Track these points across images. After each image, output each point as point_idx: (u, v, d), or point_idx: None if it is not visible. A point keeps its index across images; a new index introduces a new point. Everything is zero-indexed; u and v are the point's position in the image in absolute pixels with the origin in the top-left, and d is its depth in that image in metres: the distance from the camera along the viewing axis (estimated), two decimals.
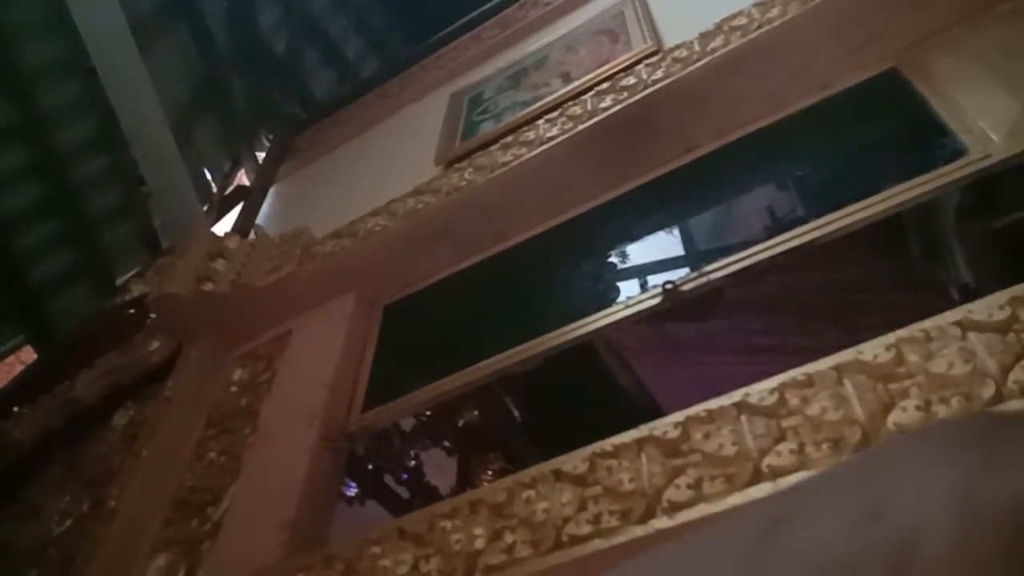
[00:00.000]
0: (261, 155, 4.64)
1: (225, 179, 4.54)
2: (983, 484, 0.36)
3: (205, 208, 3.96)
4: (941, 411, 1.13)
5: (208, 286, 2.54)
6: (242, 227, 3.66)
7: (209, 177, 4.39)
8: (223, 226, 3.94)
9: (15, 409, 2.80)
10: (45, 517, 2.32)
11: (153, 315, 2.78)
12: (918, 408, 1.15)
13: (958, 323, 1.23)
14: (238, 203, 4.09)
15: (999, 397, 1.10)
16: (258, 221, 3.74)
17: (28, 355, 4.00)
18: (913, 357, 1.22)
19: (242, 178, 4.67)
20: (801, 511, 0.43)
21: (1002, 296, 1.22)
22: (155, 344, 2.71)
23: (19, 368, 3.84)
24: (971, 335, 1.20)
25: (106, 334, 3.03)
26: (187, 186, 3.41)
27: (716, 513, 1.20)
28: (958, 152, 1.71)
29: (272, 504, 1.87)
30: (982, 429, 0.43)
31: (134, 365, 2.67)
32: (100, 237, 3.91)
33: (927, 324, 1.26)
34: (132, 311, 3.12)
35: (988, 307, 1.21)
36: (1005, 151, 1.64)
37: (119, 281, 3.95)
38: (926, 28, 2.00)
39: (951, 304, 1.30)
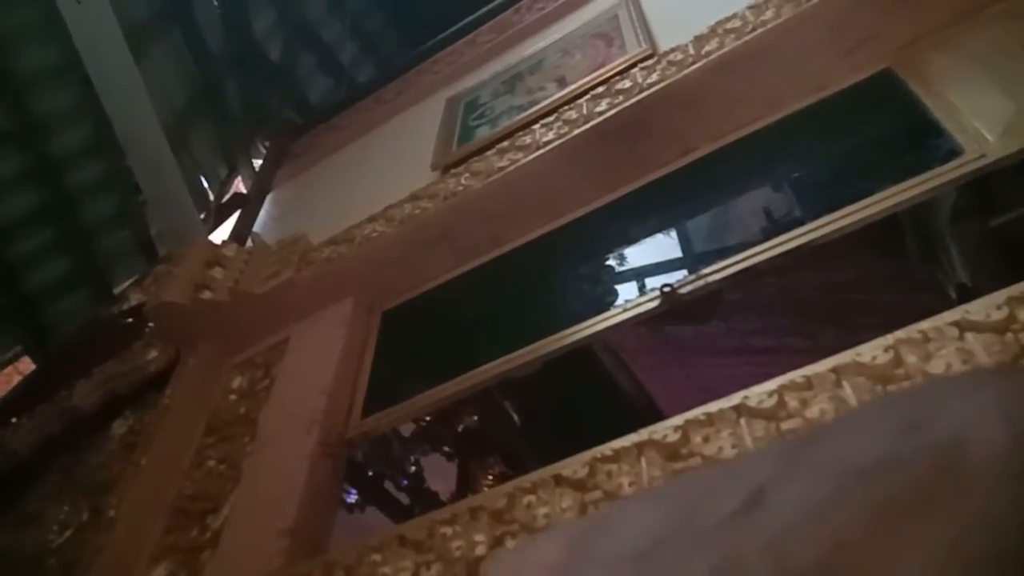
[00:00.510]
0: (257, 162, 4.64)
1: (222, 186, 4.54)
2: None
3: (202, 215, 3.96)
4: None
5: (206, 294, 2.53)
6: (239, 234, 3.66)
7: (206, 184, 4.39)
8: (220, 233, 3.94)
9: (13, 419, 2.79)
10: (44, 526, 2.31)
11: (151, 323, 2.77)
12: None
13: (956, 323, 1.23)
14: (235, 210, 4.09)
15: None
16: (255, 228, 3.74)
17: (26, 366, 3.99)
18: (911, 358, 1.22)
19: (239, 185, 4.67)
20: (838, 426, 0.43)
21: (999, 296, 1.23)
22: (153, 352, 2.70)
23: (16, 379, 3.84)
24: (969, 335, 1.20)
25: (104, 342, 3.03)
26: (183, 193, 3.40)
27: None
28: (953, 152, 1.72)
29: (272, 511, 1.87)
30: (1010, 364, 0.43)
31: (132, 373, 2.67)
32: (97, 245, 3.91)
33: (925, 325, 1.26)
34: (130, 319, 3.12)
35: (985, 307, 1.21)
36: (1000, 151, 1.64)
37: (116, 289, 3.95)
38: (920, 29, 2.01)
39: (948, 304, 1.30)
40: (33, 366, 3.86)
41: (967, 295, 2.14)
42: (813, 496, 0.37)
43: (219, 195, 4.45)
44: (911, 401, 0.40)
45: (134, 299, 3.25)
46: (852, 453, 0.37)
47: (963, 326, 1.22)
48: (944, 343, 1.21)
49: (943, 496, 0.34)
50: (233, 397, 2.41)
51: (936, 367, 1.18)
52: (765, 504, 0.37)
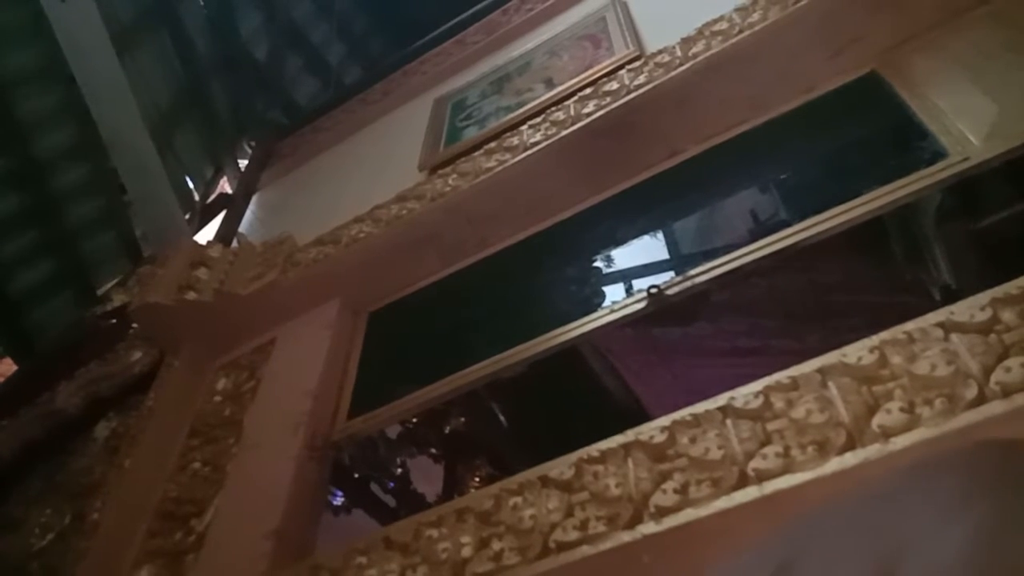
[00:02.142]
0: (243, 162, 4.62)
1: (207, 187, 4.51)
2: (999, 540, 0.35)
3: (187, 216, 3.93)
4: (925, 413, 1.14)
5: (190, 295, 2.51)
6: (224, 235, 3.64)
7: (191, 185, 4.36)
8: (205, 234, 3.92)
9: None
10: (26, 531, 2.29)
11: (135, 325, 2.75)
12: (902, 410, 1.16)
13: (940, 324, 1.23)
14: (220, 211, 4.07)
15: (981, 398, 1.11)
16: (241, 229, 3.72)
17: (7, 368, 3.95)
18: (896, 359, 1.23)
19: (224, 186, 4.65)
20: (810, 557, 0.42)
21: (983, 297, 1.23)
22: (137, 354, 2.68)
23: None
24: (953, 336, 1.21)
25: (87, 344, 3.00)
26: (168, 194, 3.38)
27: (703, 517, 1.20)
28: (938, 154, 1.73)
29: (257, 514, 1.86)
30: (997, 467, 0.42)
31: (116, 376, 2.64)
32: (81, 246, 3.87)
33: (910, 326, 1.27)
34: (113, 321, 3.09)
35: (970, 308, 1.22)
36: (984, 153, 1.66)
37: (100, 291, 3.91)
38: (905, 31, 2.02)
39: (933, 305, 1.31)
40: (15, 368, 3.82)
41: (952, 296, 2.15)
42: None
43: (204, 196, 4.42)
44: (885, 527, 0.40)
45: (118, 300, 3.22)
46: None
47: (948, 327, 1.22)
48: (929, 344, 1.22)
49: None
50: (218, 399, 2.39)
51: (921, 368, 1.19)
52: None
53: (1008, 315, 1.19)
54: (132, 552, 1.99)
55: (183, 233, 3.32)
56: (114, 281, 3.90)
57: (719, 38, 2.19)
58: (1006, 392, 1.09)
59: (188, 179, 4.35)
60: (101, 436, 2.47)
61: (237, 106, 4.91)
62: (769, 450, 1.22)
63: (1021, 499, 0.39)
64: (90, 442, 2.47)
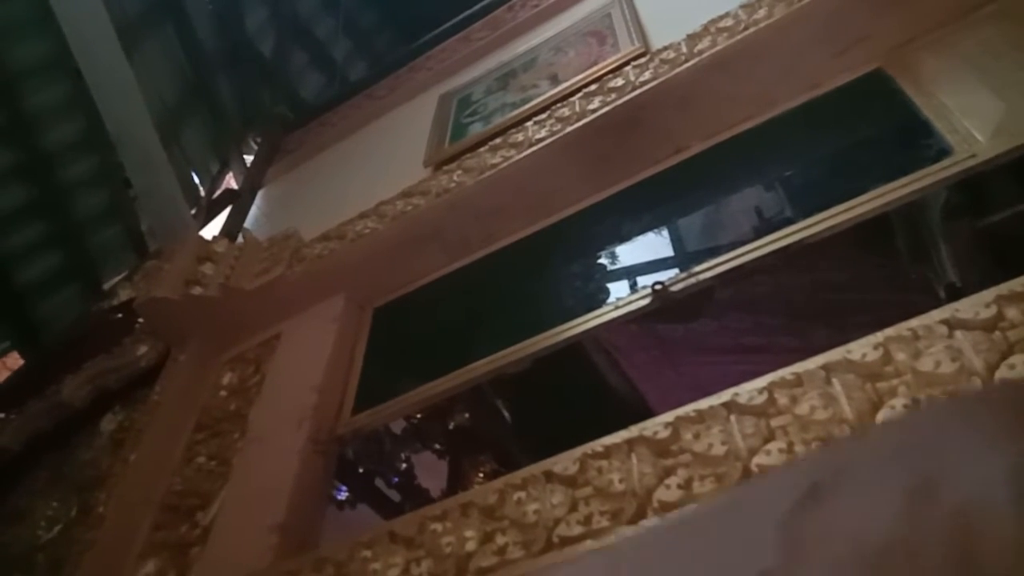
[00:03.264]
0: (249, 157, 4.63)
1: (213, 182, 4.52)
2: None
3: (193, 211, 3.94)
4: (933, 405, 1.14)
5: (196, 290, 2.52)
6: (230, 230, 3.65)
7: (197, 180, 4.37)
8: (211, 229, 3.93)
9: (2, 415, 2.78)
10: (32, 523, 2.30)
11: (141, 319, 2.76)
12: (906, 407, 1.16)
13: (945, 322, 1.23)
14: (226, 206, 4.07)
15: (989, 390, 1.10)
16: (246, 224, 3.73)
17: (14, 361, 3.97)
18: (901, 356, 1.23)
19: (230, 181, 4.65)
20: (845, 480, 0.41)
21: (988, 295, 1.23)
22: (143, 348, 2.69)
23: (5, 374, 3.81)
24: (958, 333, 1.21)
25: (93, 338, 3.01)
26: (174, 189, 3.38)
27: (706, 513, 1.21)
28: (944, 152, 1.73)
29: (262, 508, 1.86)
30: (1020, 402, 0.42)
31: (122, 369, 2.65)
32: (87, 240, 3.89)
33: (914, 323, 1.27)
34: (120, 315, 3.10)
35: (974, 306, 1.22)
36: (990, 151, 1.65)
37: (106, 285, 3.93)
38: (912, 30, 2.01)
39: (938, 303, 1.31)
40: (22, 362, 3.84)
41: (957, 294, 2.15)
42: None
43: (210, 191, 4.43)
44: (917, 453, 0.39)
45: (124, 295, 3.23)
46: (861, 529, 0.36)
47: (952, 324, 1.22)
48: (933, 341, 1.22)
49: None
50: (223, 393, 2.40)
51: (925, 365, 1.19)
52: None
53: (1013, 312, 1.19)
54: (137, 545, 2.00)
55: (189, 228, 3.33)
56: (120, 275, 3.92)
57: (725, 35, 2.19)
58: None
59: (194, 174, 4.36)
60: (107, 429, 2.48)
61: (243, 101, 4.91)
62: (773, 446, 1.23)
63: None
64: (96, 435, 2.48)
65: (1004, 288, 1.23)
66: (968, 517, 0.35)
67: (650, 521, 1.25)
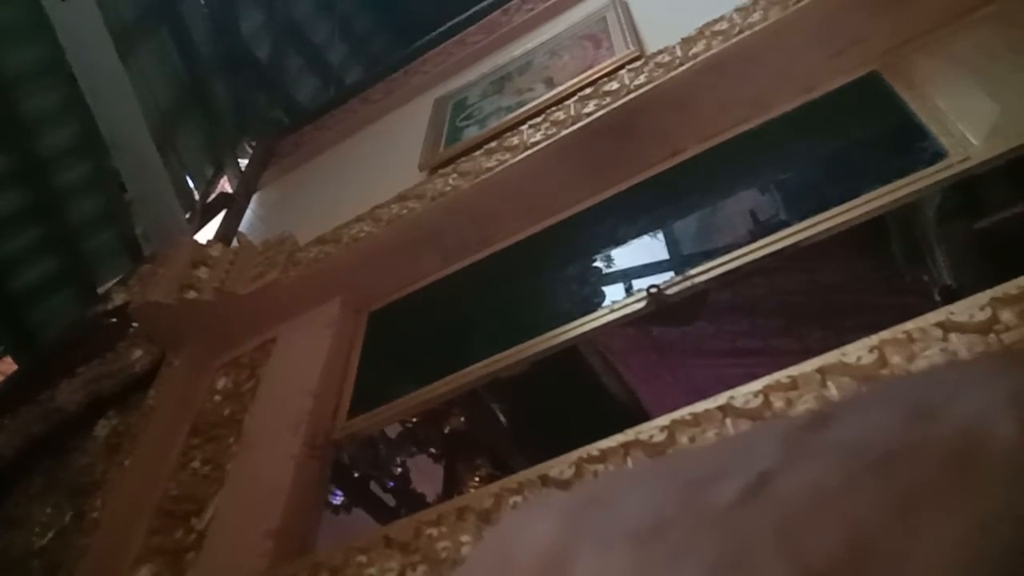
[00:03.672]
0: (244, 161, 4.63)
1: (208, 185, 4.52)
2: None
3: (188, 215, 3.94)
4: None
5: (191, 294, 2.52)
6: (225, 234, 3.64)
7: (192, 184, 4.37)
8: (206, 233, 3.92)
9: None
10: (27, 529, 2.29)
11: (136, 323, 2.76)
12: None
13: (940, 324, 1.23)
14: (221, 210, 4.07)
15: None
16: (241, 228, 3.72)
17: (8, 366, 3.96)
18: (896, 358, 1.23)
19: (225, 185, 4.65)
20: (848, 408, 0.42)
21: (983, 297, 1.23)
22: (138, 353, 2.68)
23: None
24: (953, 336, 1.21)
25: (88, 343, 3.00)
26: (169, 193, 3.38)
27: None
28: (938, 155, 1.73)
29: (257, 513, 1.86)
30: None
31: (117, 374, 2.64)
32: (82, 245, 3.88)
33: (909, 326, 1.27)
34: (114, 319, 3.09)
35: (969, 308, 1.22)
36: (984, 153, 1.66)
37: (101, 289, 3.91)
38: (907, 32, 2.02)
39: (933, 305, 1.31)
40: (16, 367, 3.82)
41: (952, 296, 2.16)
42: (823, 484, 0.37)
43: (205, 195, 4.43)
44: (921, 387, 0.40)
45: (119, 299, 3.22)
46: (862, 441, 0.37)
47: (947, 327, 1.22)
48: (928, 344, 1.22)
49: (957, 490, 0.34)
50: (218, 398, 2.40)
51: (920, 367, 1.19)
52: (773, 488, 0.37)
53: (1007, 315, 1.19)
54: (133, 550, 1.99)
55: (184, 232, 3.32)
56: (115, 280, 3.90)
57: (719, 38, 2.19)
58: None
59: (189, 178, 4.35)
60: (102, 434, 2.47)
61: (238, 105, 4.91)
62: None
63: None
64: (91, 440, 2.48)
65: (999, 291, 1.23)
66: (970, 430, 0.35)
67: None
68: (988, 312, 1.20)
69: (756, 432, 0.48)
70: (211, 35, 4.85)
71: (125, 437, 2.32)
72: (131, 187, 3.40)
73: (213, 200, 4.38)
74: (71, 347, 3.12)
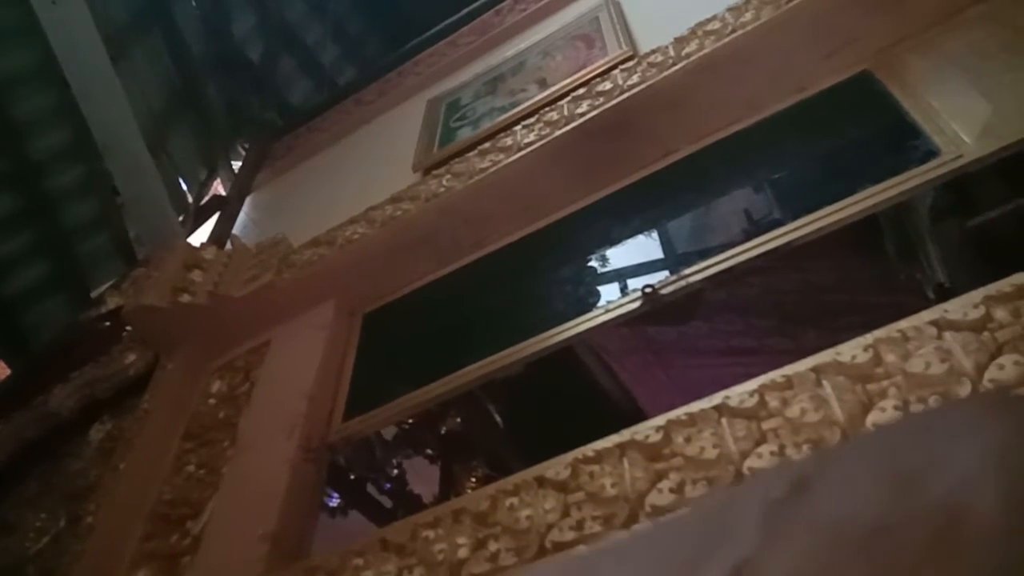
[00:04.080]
0: (237, 163, 4.61)
1: (201, 188, 4.51)
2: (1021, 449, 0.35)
3: (181, 218, 3.92)
4: (919, 411, 1.14)
5: (185, 297, 2.51)
6: (219, 237, 3.63)
7: (185, 187, 4.35)
8: (199, 236, 3.91)
9: None
10: (21, 534, 2.28)
11: (129, 327, 2.74)
12: (896, 408, 1.16)
13: (934, 323, 1.24)
14: (214, 212, 4.05)
15: (975, 396, 1.11)
16: (235, 230, 3.71)
17: (1, 371, 3.94)
18: (890, 357, 1.23)
19: (218, 187, 4.64)
20: (829, 474, 0.41)
21: (976, 295, 1.24)
22: (131, 357, 2.67)
23: None
24: (947, 334, 1.21)
25: (81, 347, 2.99)
26: (162, 196, 3.37)
27: None
28: (931, 153, 1.73)
29: (253, 517, 1.85)
30: (1005, 402, 0.42)
31: (110, 378, 2.63)
32: (75, 248, 3.87)
33: (904, 324, 1.27)
34: (108, 323, 3.08)
35: (963, 306, 1.23)
36: (977, 152, 1.66)
37: (94, 293, 3.90)
38: (900, 32, 2.02)
39: (927, 303, 1.31)
40: (8, 371, 3.81)
41: (945, 294, 2.16)
42: (803, 573, 0.36)
43: (198, 197, 4.42)
44: (903, 448, 0.39)
45: (112, 303, 3.21)
46: (842, 517, 0.36)
47: (941, 325, 1.23)
48: (923, 342, 1.22)
49: (940, 568, 0.34)
50: (213, 401, 2.39)
51: (915, 366, 1.19)
52: None
53: (1001, 313, 1.19)
54: (127, 555, 1.98)
55: (177, 235, 3.32)
56: (108, 283, 3.89)
57: (712, 38, 2.19)
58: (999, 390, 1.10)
59: (182, 181, 4.34)
60: (96, 439, 2.46)
61: (231, 107, 4.90)
62: (764, 449, 1.22)
63: None
64: (85, 445, 2.46)
65: (992, 289, 1.23)
66: (953, 506, 0.35)
67: (641, 525, 1.25)
68: (982, 310, 1.20)
69: (736, 501, 0.47)
70: (203, 37, 4.84)
71: (119, 441, 2.31)
72: (124, 190, 3.40)
73: (206, 203, 4.36)
74: (64, 351, 3.10)
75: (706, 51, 2.17)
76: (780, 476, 0.43)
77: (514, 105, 2.87)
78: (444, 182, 2.48)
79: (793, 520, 0.38)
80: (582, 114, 2.31)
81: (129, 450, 2.20)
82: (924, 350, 1.21)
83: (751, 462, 1.22)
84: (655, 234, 2.52)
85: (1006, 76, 1.75)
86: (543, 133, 2.36)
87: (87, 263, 3.93)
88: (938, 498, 0.35)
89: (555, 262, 2.34)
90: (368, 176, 3.29)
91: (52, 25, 2.98)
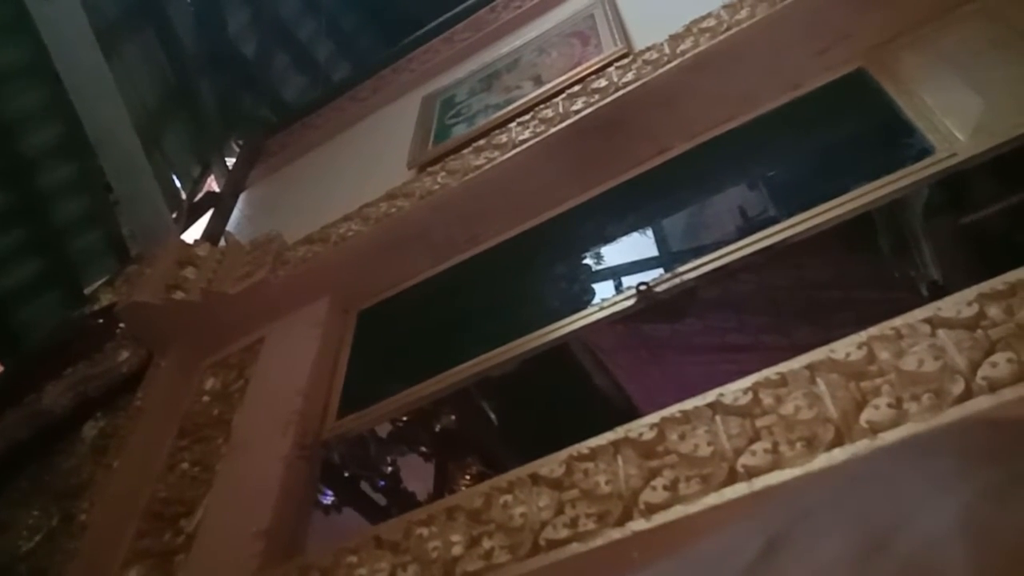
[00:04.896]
0: (231, 160, 4.59)
1: (194, 185, 4.49)
2: (996, 510, 0.35)
3: (174, 215, 3.91)
4: (912, 408, 1.15)
5: (178, 294, 2.50)
6: (212, 234, 3.62)
7: (178, 183, 4.33)
8: (193, 233, 3.90)
9: None
10: (13, 533, 2.27)
11: (122, 324, 2.74)
12: (890, 406, 1.16)
13: (928, 320, 1.24)
14: (208, 209, 4.04)
15: (968, 393, 1.11)
16: (229, 227, 3.70)
17: None
18: (884, 355, 1.23)
19: (212, 184, 4.62)
20: (799, 532, 0.41)
21: (970, 293, 1.24)
22: (125, 354, 2.66)
23: None
24: (940, 332, 1.21)
25: (74, 344, 2.98)
26: (156, 193, 3.35)
27: (693, 514, 1.21)
28: (925, 151, 1.74)
29: (247, 514, 1.85)
30: (985, 447, 0.42)
31: (103, 375, 2.63)
32: (68, 245, 3.84)
33: (897, 322, 1.27)
34: (101, 320, 3.07)
35: (956, 304, 1.23)
36: (971, 149, 1.67)
37: (87, 290, 3.88)
38: (893, 29, 2.03)
39: (921, 301, 1.31)
40: (1, 369, 3.79)
41: (939, 293, 2.17)
42: None
43: (192, 194, 4.39)
44: (874, 501, 0.40)
45: (105, 300, 3.20)
46: None
47: (935, 323, 1.23)
48: (916, 339, 1.22)
49: None
50: (206, 399, 2.38)
51: (908, 364, 1.19)
52: None
53: (994, 311, 1.19)
54: (121, 553, 1.98)
55: (170, 232, 3.30)
56: (101, 280, 3.87)
57: (707, 35, 2.19)
58: (993, 387, 1.10)
59: (175, 177, 4.32)
60: (89, 436, 2.46)
61: (225, 104, 4.88)
62: (758, 446, 1.23)
63: (1010, 474, 0.39)
64: (78, 443, 2.46)
65: (986, 286, 1.24)
66: (918, 565, 0.35)
67: (636, 523, 1.25)
68: (975, 308, 1.20)
69: (712, 562, 0.47)
70: (197, 33, 4.81)
71: (112, 439, 2.31)
72: (117, 187, 3.38)
73: (200, 199, 4.35)
74: (57, 349, 3.09)
75: (701, 48, 2.17)
76: (749, 539, 0.43)
77: (509, 102, 2.87)
78: (439, 179, 2.47)
79: None
80: (577, 111, 2.31)
81: (122, 448, 2.20)
82: (918, 348, 1.21)
83: (745, 459, 1.22)
84: (650, 231, 2.52)
85: (999, 73, 1.75)
86: (538, 130, 2.36)
87: (80, 260, 3.91)
88: (905, 562, 0.35)
89: (550, 259, 2.34)
90: (362, 173, 3.28)
91: (45, 21, 2.96)
